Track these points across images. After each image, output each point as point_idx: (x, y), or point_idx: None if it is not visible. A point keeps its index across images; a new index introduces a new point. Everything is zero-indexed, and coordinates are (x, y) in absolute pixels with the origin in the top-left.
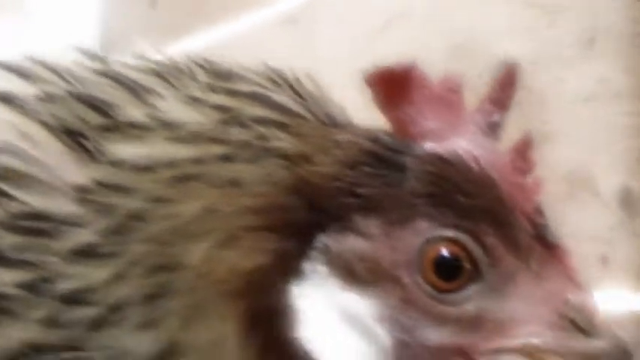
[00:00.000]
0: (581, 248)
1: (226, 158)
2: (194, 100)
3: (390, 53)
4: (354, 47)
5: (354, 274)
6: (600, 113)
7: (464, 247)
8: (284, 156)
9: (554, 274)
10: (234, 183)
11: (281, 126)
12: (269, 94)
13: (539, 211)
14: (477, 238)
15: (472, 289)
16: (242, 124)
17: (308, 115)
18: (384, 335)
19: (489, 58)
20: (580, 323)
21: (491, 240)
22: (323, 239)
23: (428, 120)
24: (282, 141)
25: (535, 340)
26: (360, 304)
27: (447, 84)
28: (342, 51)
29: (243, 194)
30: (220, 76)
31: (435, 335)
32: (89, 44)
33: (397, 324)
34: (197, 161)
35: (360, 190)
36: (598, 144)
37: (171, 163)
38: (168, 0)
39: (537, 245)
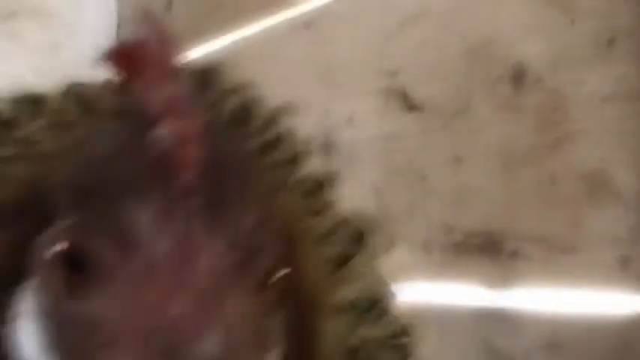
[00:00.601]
0: (601, 249)
1: (11, 158)
2: None
3: (406, 55)
4: (369, 50)
5: (34, 271)
6: (620, 113)
7: (77, 239)
8: (35, 156)
9: (166, 278)
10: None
11: (55, 126)
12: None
13: (189, 187)
14: (82, 227)
15: (94, 286)
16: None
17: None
18: (48, 332)
19: (507, 60)
20: (167, 350)
21: (90, 231)
22: (38, 240)
23: None
24: (44, 143)
25: None
26: (35, 299)
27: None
28: (357, 54)
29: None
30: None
31: (70, 336)
32: (105, 40)
33: (51, 322)
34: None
35: (57, 195)
36: (618, 144)
37: None
38: (183, 4)
39: (159, 236)
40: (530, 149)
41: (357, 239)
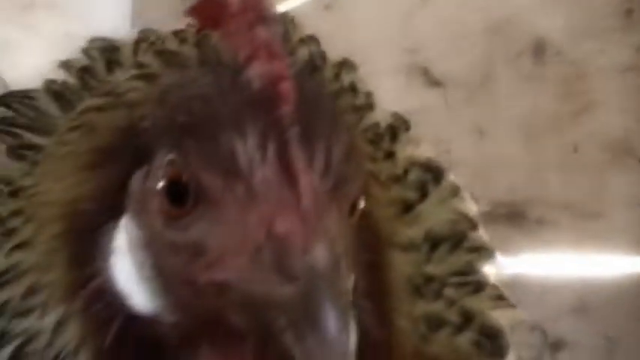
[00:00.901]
0: (624, 214)
1: (99, 109)
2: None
3: (427, 32)
4: (390, 29)
5: (133, 206)
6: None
7: (180, 169)
8: (126, 103)
9: (270, 199)
10: (91, 129)
11: (140, 78)
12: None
13: (288, 118)
14: (185, 158)
15: (195, 215)
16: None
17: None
18: (147, 263)
19: (528, 34)
20: (278, 260)
21: (195, 160)
22: (133, 180)
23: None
24: (134, 91)
25: (232, 279)
26: (134, 233)
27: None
28: (379, 33)
29: (94, 137)
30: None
31: (173, 263)
32: (121, 30)
33: (152, 251)
34: (85, 110)
35: (155, 133)
36: (639, 112)
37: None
38: None
39: (262, 162)
40: (552, 119)
41: (422, 185)
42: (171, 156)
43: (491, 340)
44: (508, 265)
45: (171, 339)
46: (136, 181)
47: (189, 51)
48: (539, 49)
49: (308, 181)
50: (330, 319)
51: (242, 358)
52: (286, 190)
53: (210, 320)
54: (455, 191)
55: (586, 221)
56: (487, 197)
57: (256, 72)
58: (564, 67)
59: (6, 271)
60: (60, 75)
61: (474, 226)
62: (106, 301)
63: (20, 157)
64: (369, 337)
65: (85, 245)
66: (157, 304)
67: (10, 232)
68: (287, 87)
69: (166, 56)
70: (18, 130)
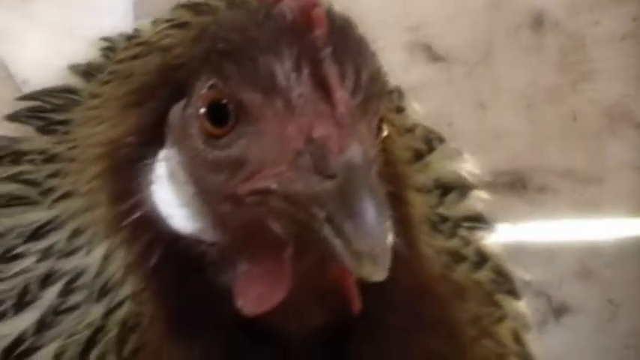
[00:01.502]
0: (624, 178)
1: (134, 57)
2: None
3: (427, 9)
4: (391, 7)
5: (174, 135)
6: (636, 50)
7: (221, 91)
8: (160, 47)
9: (308, 111)
10: (127, 75)
11: (172, 27)
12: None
13: (321, 40)
14: (226, 81)
15: (235, 132)
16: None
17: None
18: (189, 184)
19: (526, 7)
20: (317, 161)
21: (236, 81)
22: (172, 112)
23: None
24: (167, 37)
25: (273, 184)
26: (175, 160)
27: None
28: (381, 12)
29: (130, 81)
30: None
31: (215, 181)
32: (125, 27)
33: (194, 174)
34: (119, 61)
35: (193, 66)
36: (636, 79)
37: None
38: None
39: (298, 80)
40: (552, 89)
41: (428, 140)
42: (212, 81)
43: (507, 280)
44: (511, 232)
45: (211, 256)
46: (175, 113)
47: (216, 2)
48: (538, 22)
49: (341, 93)
50: (368, 208)
51: (281, 268)
52: (322, 103)
53: (250, 234)
54: (458, 152)
55: (586, 187)
56: (489, 167)
57: (289, 3)
58: (563, 38)
59: (49, 222)
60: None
61: (476, 183)
62: (148, 229)
63: (50, 132)
64: (399, 256)
65: (125, 180)
66: (197, 225)
67: (48, 191)
68: (320, 12)
69: (196, 7)
70: (45, 114)
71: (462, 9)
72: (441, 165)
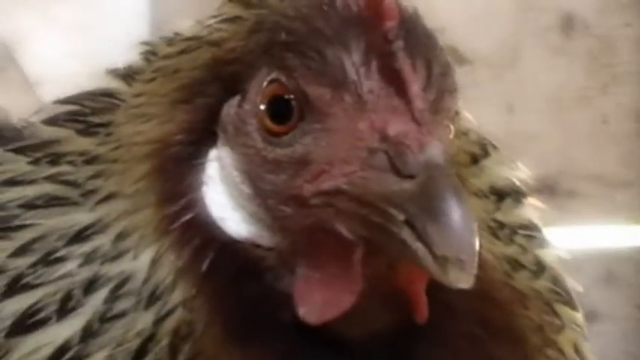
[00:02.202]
0: None
1: (181, 52)
2: None
3: (453, 11)
4: (416, 7)
5: (228, 133)
6: None
7: (284, 86)
8: (210, 42)
9: (380, 106)
10: (174, 71)
11: (223, 21)
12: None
13: (392, 32)
14: (289, 75)
15: (299, 129)
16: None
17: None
18: (245, 185)
19: (555, 9)
20: (394, 160)
21: (301, 75)
22: (224, 109)
23: None
24: (218, 32)
25: (343, 185)
26: (229, 159)
27: None
28: None
29: (178, 77)
30: None
31: (275, 181)
32: (140, 27)
33: (251, 174)
34: (164, 57)
35: (249, 60)
36: None
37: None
38: None
39: (368, 73)
40: (581, 92)
41: (483, 145)
42: (273, 75)
43: (564, 291)
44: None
45: (268, 262)
46: (229, 109)
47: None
48: (566, 24)
49: (417, 88)
50: (454, 209)
51: (348, 272)
52: (395, 98)
53: (313, 237)
54: (511, 160)
55: (616, 191)
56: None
57: None
58: (592, 41)
59: (92, 224)
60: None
61: (528, 191)
62: (200, 232)
63: (92, 134)
64: None
65: (174, 180)
66: (254, 228)
67: (90, 193)
68: (391, 3)
69: (246, 1)
70: (84, 118)
71: (489, 10)
72: (495, 171)
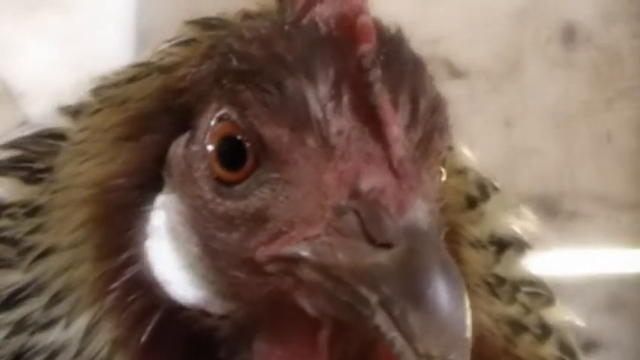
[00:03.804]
0: None
1: (130, 80)
2: None
3: (447, 21)
4: (407, 19)
5: (174, 178)
6: None
7: (236, 125)
8: (161, 68)
9: (352, 153)
10: (121, 102)
11: (177, 44)
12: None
13: (368, 58)
14: (241, 112)
15: (254, 178)
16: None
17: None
18: (193, 243)
19: (556, 18)
20: (366, 223)
21: (255, 112)
22: (172, 148)
23: None
24: (170, 56)
25: (303, 251)
26: (176, 210)
27: None
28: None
29: (125, 109)
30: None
31: (226, 240)
32: (127, 38)
33: (199, 229)
34: (111, 86)
35: (200, 90)
36: None
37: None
38: None
39: (338, 110)
40: (584, 107)
41: (482, 186)
42: (223, 110)
43: (573, 357)
44: (538, 262)
45: (221, 333)
46: (177, 149)
47: (230, 15)
48: (568, 35)
49: (397, 129)
50: (441, 292)
51: (313, 352)
52: (371, 142)
53: (272, 308)
54: (515, 204)
55: (621, 213)
56: (516, 190)
57: (326, 9)
58: (596, 53)
59: (26, 287)
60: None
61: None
62: (142, 295)
63: (36, 182)
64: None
65: (115, 231)
66: (204, 293)
67: (27, 250)
68: (367, 21)
69: (205, 22)
70: (28, 164)
71: (486, 20)
72: (496, 217)
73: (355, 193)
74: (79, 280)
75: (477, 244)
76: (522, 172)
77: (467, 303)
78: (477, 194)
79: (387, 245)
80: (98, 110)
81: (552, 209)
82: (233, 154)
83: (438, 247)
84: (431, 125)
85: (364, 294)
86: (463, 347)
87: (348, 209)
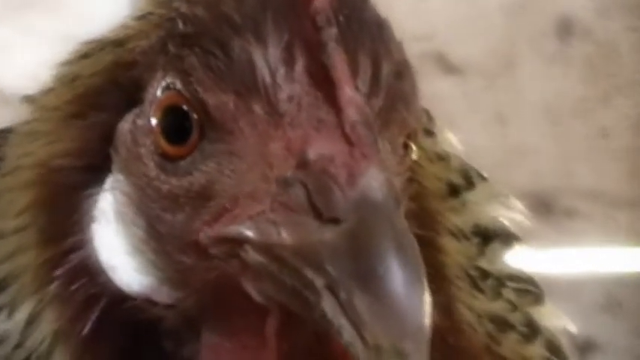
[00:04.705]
0: None
1: (83, 56)
2: None
3: (440, 16)
4: (399, 14)
5: (121, 156)
6: None
7: (180, 94)
8: (114, 42)
9: (302, 120)
10: (74, 79)
11: (132, 19)
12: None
13: (323, 16)
14: (186, 78)
15: (199, 152)
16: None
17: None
18: (139, 226)
19: (551, 12)
20: (313, 196)
21: (200, 78)
22: (120, 125)
23: None
24: (124, 30)
25: (247, 230)
26: (122, 190)
27: None
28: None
29: (74, 87)
30: None
31: (172, 222)
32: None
33: (144, 211)
34: (65, 64)
35: (148, 60)
36: None
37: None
38: None
39: (289, 75)
40: (579, 103)
41: (466, 174)
42: (168, 79)
43: None
44: (534, 260)
45: (167, 324)
46: (125, 125)
47: None
48: (564, 29)
49: (352, 93)
50: (395, 271)
51: (262, 343)
52: (324, 107)
53: (220, 296)
54: (503, 195)
55: (618, 211)
56: (510, 189)
57: None
58: (593, 47)
59: None
60: None
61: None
62: (86, 283)
63: None
64: (433, 326)
65: (60, 214)
66: (149, 280)
67: None
68: None
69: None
70: None
71: (480, 15)
72: (481, 207)
73: (302, 163)
74: (23, 267)
75: (459, 234)
76: (517, 169)
77: (425, 286)
78: (461, 182)
79: (335, 220)
80: (51, 89)
81: (548, 207)
82: (178, 126)
83: (392, 221)
84: (394, 92)
85: (310, 277)
86: (419, 338)
87: (294, 181)
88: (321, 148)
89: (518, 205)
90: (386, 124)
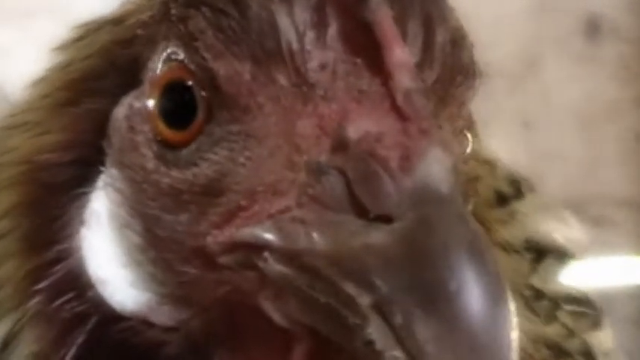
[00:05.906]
0: None
1: (78, 39)
2: None
3: (467, 10)
4: None
5: (114, 147)
6: None
7: (184, 65)
8: (112, 21)
9: (338, 92)
10: (67, 64)
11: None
12: None
13: None
14: (190, 46)
15: (205, 137)
16: None
17: None
18: (134, 230)
19: (578, 10)
20: (355, 187)
21: (208, 44)
22: (114, 112)
23: None
24: (124, 7)
25: (268, 234)
26: (115, 188)
27: None
28: None
29: (69, 71)
30: None
31: (173, 224)
32: None
33: (141, 211)
34: (59, 49)
35: (149, 34)
36: None
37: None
38: None
39: (320, 38)
40: (610, 105)
41: (514, 182)
42: (169, 49)
43: None
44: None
45: (168, 349)
46: (120, 110)
47: None
48: (592, 28)
49: (403, 56)
50: (472, 288)
51: None
52: (365, 76)
53: (232, 316)
54: (556, 208)
55: None
56: None
57: None
58: (623, 46)
59: None
60: None
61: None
62: (72, 298)
63: None
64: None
65: (45, 217)
66: (147, 297)
67: None
68: None
69: None
70: None
71: (504, 13)
72: (532, 220)
73: (340, 145)
74: (4, 279)
75: (509, 248)
76: (544, 176)
77: (511, 306)
78: (509, 190)
79: (386, 218)
80: (43, 78)
81: (576, 216)
82: (181, 107)
83: (464, 219)
84: (452, 62)
85: (351, 293)
86: None
87: (329, 168)
88: (364, 124)
89: (573, 219)
90: (442, 101)
